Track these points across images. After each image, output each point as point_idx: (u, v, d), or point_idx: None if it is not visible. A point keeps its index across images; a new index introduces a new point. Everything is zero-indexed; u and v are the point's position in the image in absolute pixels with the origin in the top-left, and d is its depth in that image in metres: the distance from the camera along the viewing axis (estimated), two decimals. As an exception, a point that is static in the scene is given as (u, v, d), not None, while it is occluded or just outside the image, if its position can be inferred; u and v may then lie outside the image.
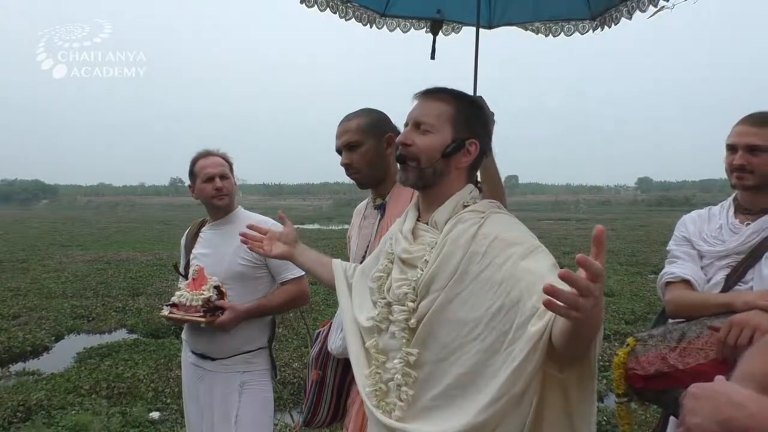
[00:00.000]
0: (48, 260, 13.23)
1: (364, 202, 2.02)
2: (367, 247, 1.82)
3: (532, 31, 2.61)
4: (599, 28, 2.44)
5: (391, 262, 1.41)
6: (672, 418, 1.76)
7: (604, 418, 3.90)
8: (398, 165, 1.40)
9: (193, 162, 2.43)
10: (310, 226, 30.30)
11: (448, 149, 1.34)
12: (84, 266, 12.11)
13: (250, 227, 1.76)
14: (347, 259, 1.84)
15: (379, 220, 1.83)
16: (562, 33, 2.51)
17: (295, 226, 1.81)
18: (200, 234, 2.50)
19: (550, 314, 1.06)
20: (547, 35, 2.58)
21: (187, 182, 2.48)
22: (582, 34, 2.48)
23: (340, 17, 2.38)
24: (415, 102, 1.41)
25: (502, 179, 1.67)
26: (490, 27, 2.45)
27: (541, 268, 1.18)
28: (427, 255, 1.31)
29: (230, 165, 2.45)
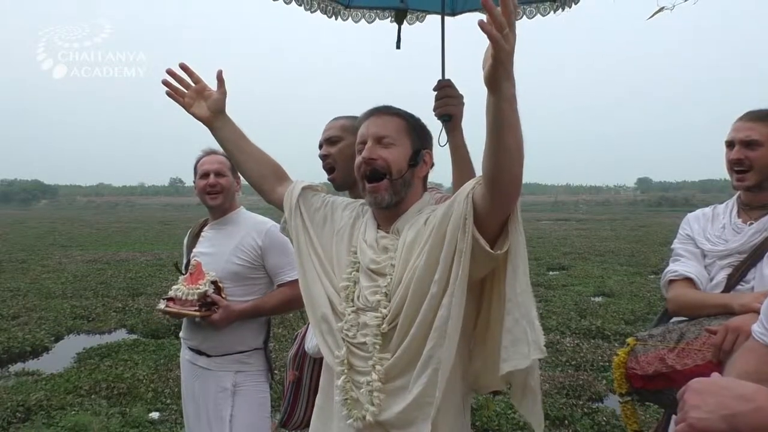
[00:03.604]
0: (47, 260, 13.21)
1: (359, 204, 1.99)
2: None
3: None
4: (560, 9, 2.40)
5: (357, 271, 1.42)
6: (674, 417, 1.75)
7: (604, 418, 3.89)
8: (366, 185, 1.39)
9: (197, 160, 2.47)
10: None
11: (413, 159, 1.39)
12: (84, 266, 12.10)
13: (182, 67, 1.63)
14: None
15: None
16: (524, 16, 2.44)
17: None
18: (202, 233, 2.51)
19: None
20: None
21: (187, 183, 2.48)
22: (543, 15, 2.43)
23: (305, 9, 2.36)
24: (367, 120, 1.43)
25: None
26: (453, 14, 2.38)
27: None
28: (393, 261, 1.36)
29: (233, 165, 2.44)
